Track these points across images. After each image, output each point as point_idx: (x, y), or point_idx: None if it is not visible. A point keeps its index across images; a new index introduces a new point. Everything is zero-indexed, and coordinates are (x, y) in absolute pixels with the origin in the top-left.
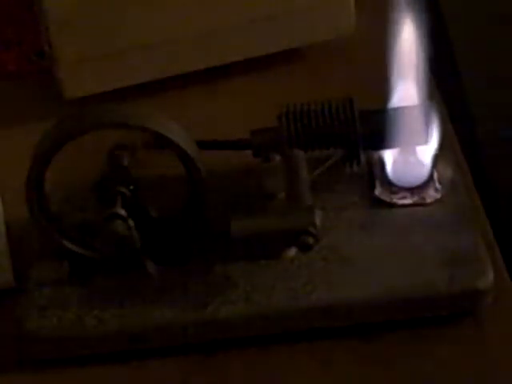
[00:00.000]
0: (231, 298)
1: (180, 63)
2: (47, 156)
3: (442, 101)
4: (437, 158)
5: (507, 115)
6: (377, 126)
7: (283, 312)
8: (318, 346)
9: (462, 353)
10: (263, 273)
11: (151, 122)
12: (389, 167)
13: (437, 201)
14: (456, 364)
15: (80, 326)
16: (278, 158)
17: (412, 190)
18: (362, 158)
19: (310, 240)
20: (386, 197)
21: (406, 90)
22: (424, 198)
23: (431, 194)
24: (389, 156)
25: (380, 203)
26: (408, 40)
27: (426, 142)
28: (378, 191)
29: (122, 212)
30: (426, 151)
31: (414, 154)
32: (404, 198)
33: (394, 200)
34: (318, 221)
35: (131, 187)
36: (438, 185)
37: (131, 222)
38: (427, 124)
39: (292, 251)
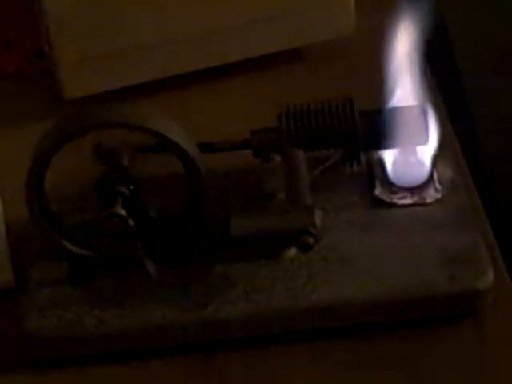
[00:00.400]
0: (231, 297)
1: (180, 63)
2: (47, 156)
3: (441, 101)
4: (437, 158)
5: (507, 115)
6: (377, 126)
7: (283, 312)
8: (318, 345)
9: (462, 353)
10: (263, 273)
11: (151, 122)
12: (389, 167)
13: (437, 201)
14: (456, 364)
15: (80, 326)
16: (278, 158)
17: (412, 189)
18: (362, 158)
19: (310, 240)
20: (385, 197)
21: (406, 90)
22: (424, 198)
23: (431, 194)
24: (389, 156)
25: (380, 203)
26: (408, 40)
27: (425, 141)
28: (378, 191)
29: (122, 212)
30: (426, 151)
31: (414, 154)
32: (404, 197)
33: (394, 200)
34: (317, 221)
35: (131, 187)
36: (437, 185)
37: (131, 222)
38: (427, 124)
39: (292, 251)
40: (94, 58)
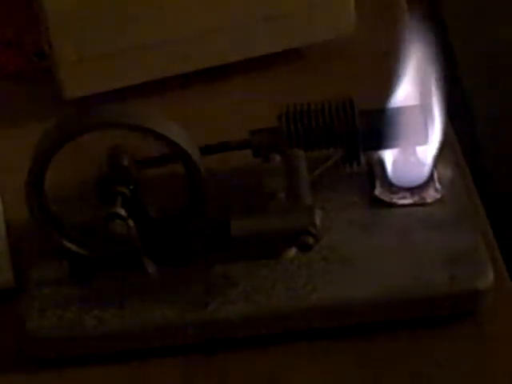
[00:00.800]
0: (231, 297)
1: (180, 63)
2: (47, 156)
3: (442, 101)
4: (437, 158)
5: (507, 115)
6: (377, 126)
7: (283, 312)
8: (318, 346)
9: (462, 353)
10: (263, 273)
11: (151, 122)
12: (389, 167)
13: (437, 201)
14: (456, 364)
15: (80, 326)
16: (278, 157)
17: (412, 190)
18: (362, 158)
19: (310, 240)
20: (385, 197)
21: (406, 89)
22: (424, 198)
23: (431, 194)
24: (389, 156)
25: (380, 203)
26: (408, 40)
27: (425, 142)
28: (377, 191)
29: (122, 212)
30: (426, 151)
31: (414, 154)
32: (404, 198)
33: (394, 200)
34: (317, 221)
35: (131, 187)
36: (437, 185)
37: (131, 222)
38: (427, 124)
39: (292, 251)
40: (94, 58)
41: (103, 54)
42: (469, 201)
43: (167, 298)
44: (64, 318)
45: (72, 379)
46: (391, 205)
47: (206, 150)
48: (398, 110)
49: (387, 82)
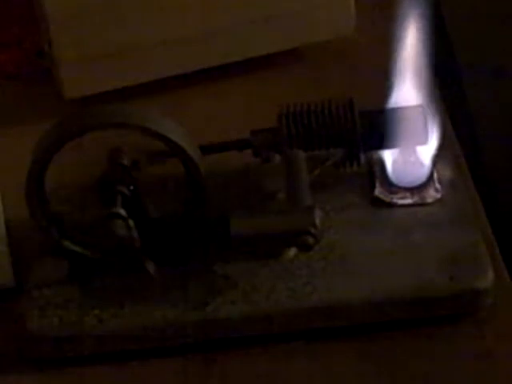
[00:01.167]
0: (231, 297)
1: (180, 63)
2: (47, 156)
3: (441, 101)
4: (437, 158)
5: (507, 115)
6: (377, 126)
7: (283, 312)
8: (318, 346)
9: (462, 353)
10: (263, 273)
11: (151, 122)
12: (389, 167)
13: (437, 201)
14: (456, 364)
15: (80, 325)
16: (278, 157)
17: (412, 189)
18: (362, 158)
19: (310, 240)
20: (385, 197)
21: (406, 90)
22: (424, 198)
23: (431, 194)
24: (389, 156)
25: (380, 203)
26: (408, 40)
27: (425, 141)
28: (377, 191)
29: (122, 212)
30: (426, 151)
31: (414, 154)
32: (404, 197)
33: (394, 200)
34: (317, 221)
35: (131, 187)
36: (437, 185)
37: (131, 222)
38: (427, 124)
39: (292, 251)
40: (94, 58)
41: (103, 53)
42: (469, 201)
43: (167, 298)
44: (64, 318)
45: (72, 379)
46: (391, 205)
47: (206, 150)
48: (398, 110)
49: (387, 82)
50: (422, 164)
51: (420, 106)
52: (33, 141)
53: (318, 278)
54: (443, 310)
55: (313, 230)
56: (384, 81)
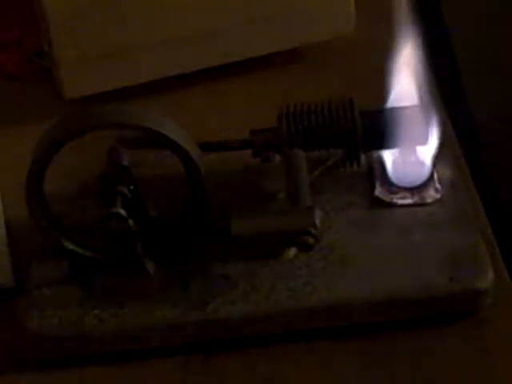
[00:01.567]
0: (231, 297)
1: (180, 63)
2: (47, 156)
3: (441, 101)
4: (437, 158)
5: (507, 115)
6: (377, 126)
7: (283, 312)
8: (318, 345)
9: (462, 353)
10: (263, 273)
11: (151, 122)
12: (389, 167)
13: (437, 201)
14: (456, 364)
15: (80, 326)
16: (278, 157)
17: (412, 189)
18: (362, 158)
19: (310, 240)
20: (385, 197)
21: (406, 90)
22: (424, 198)
23: (431, 194)
24: (389, 156)
25: (380, 203)
26: (408, 40)
27: (425, 141)
28: (377, 191)
29: (122, 212)
30: (426, 151)
31: (414, 154)
32: (404, 197)
33: (394, 200)
34: (317, 221)
35: (131, 187)
36: (437, 185)
37: (131, 222)
38: (427, 124)
39: (292, 251)
40: (93, 58)
41: (103, 53)
42: (469, 201)
43: (167, 298)
44: (64, 318)
45: (72, 379)
46: (391, 205)
47: (205, 147)
48: (398, 110)
49: (387, 82)
50: (422, 164)
51: (420, 105)
52: (33, 141)
53: (318, 277)
54: (443, 310)
55: (313, 230)
56: (384, 81)
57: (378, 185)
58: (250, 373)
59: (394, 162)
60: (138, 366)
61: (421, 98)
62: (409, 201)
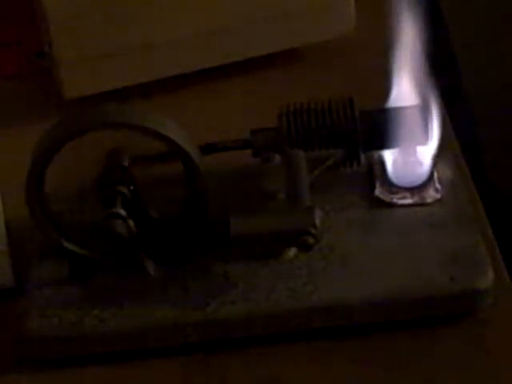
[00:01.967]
0: (231, 297)
1: (180, 63)
2: (47, 156)
3: (441, 101)
4: (437, 158)
5: (507, 115)
6: (377, 126)
7: (283, 312)
8: (318, 346)
9: (462, 353)
10: (263, 273)
11: (151, 122)
12: (389, 167)
13: (437, 201)
14: (456, 364)
15: (80, 326)
16: (278, 157)
17: (412, 189)
18: (362, 158)
19: (310, 240)
20: (385, 197)
21: (406, 89)
22: (424, 198)
23: (431, 194)
24: (389, 156)
25: (380, 203)
26: (408, 40)
27: (425, 142)
28: (378, 191)
29: (122, 212)
30: (426, 151)
31: (414, 154)
32: (404, 197)
33: (394, 200)
34: (317, 221)
35: (131, 187)
36: (437, 185)
37: (131, 222)
38: (427, 124)
39: (292, 251)
40: (93, 58)
41: (103, 53)
42: (469, 201)
43: (167, 298)
44: (64, 318)
45: (72, 379)
46: (391, 205)
47: (206, 149)
48: (398, 110)
49: (387, 81)
50: (421, 164)
51: (420, 105)
52: (33, 141)
53: (318, 277)
54: (443, 310)
55: (313, 230)
56: (384, 81)
57: (378, 185)
58: (250, 373)
59: (394, 162)
60: (138, 366)
61: (421, 97)
62: (409, 201)
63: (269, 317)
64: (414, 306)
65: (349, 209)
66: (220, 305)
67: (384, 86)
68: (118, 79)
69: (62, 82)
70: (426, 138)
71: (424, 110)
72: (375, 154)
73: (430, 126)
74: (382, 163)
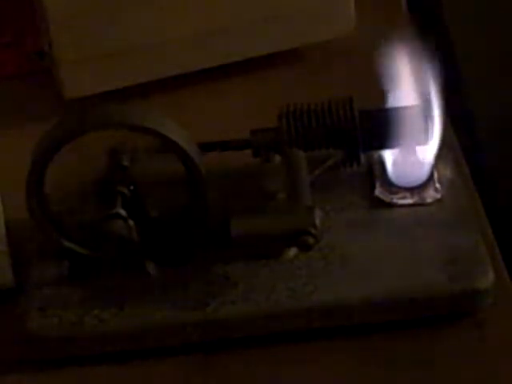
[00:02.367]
0: (231, 297)
1: (180, 63)
2: (47, 156)
3: (442, 101)
4: (437, 158)
5: (507, 115)
6: (377, 126)
7: (283, 312)
8: (318, 345)
9: (462, 353)
10: (263, 273)
11: (151, 122)
12: (389, 167)
13: (437, 201)
14: (456, 364)
15: (80, 326)
16: (278, 158)
17: (412, 189)
18: (362, 158)
19: (310, 240)
20: (385, 197)
21: (406, 89)
22: (424, 198)
23: (431, 194)
24: (389, 156)
25: (380, 203)
26: (408, 40)
27: (426, 141)
28: (377, 191)
29: (122, 212)
30: (426, 151)
31: (414, 154)
32: (404, 197)
33: (394, 200)
34: (317, 221)
35: (131, 187)
36: (437, 185)
37: (131, 222)
38: (427, 124)
39: (292, 251)
40: (93, 58)
41: (103, 53)
42: (469, 201)
43: (167, 298)
44: (64, 318)
45: (72, 379)
46: (391, 205)
47: (205, 147)
48: (398, 109)
49: (387, 81)
50: (422, 164)
51: (420, 105)
52: (33, 141)
53: (318, 277)
54: (443, 310)
55: (313, 230)
56: (384, 81)
57: (378, 185)
58: (250, 373)
59: (394, 162)
60: (138, 366)
61: (421, 97)
62: (409, 201)
63: (269, 317)
64: (413, 306)
65: (349, 209)
66: (220, 305)
67: (384, 86)
68: (118, 79)
69: (61, 82)
70: (425, 138)
71: (424, 109)
72: (375, 154)
73: (429, 126)
74: (382, 163)
